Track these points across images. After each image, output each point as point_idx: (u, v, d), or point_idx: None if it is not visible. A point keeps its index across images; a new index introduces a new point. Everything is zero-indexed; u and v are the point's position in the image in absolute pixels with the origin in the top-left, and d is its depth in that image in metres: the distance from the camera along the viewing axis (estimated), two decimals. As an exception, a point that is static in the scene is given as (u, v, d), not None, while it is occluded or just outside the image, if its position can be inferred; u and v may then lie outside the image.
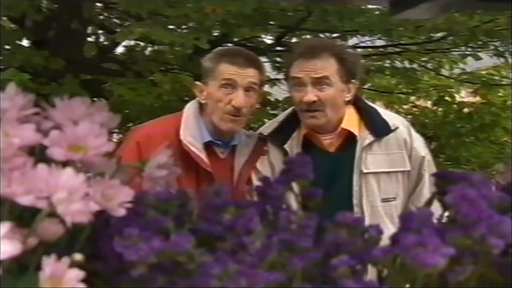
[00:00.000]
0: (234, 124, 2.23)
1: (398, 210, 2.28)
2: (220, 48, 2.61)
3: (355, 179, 2.25)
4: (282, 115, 2.43)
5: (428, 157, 2.36)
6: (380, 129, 2.28)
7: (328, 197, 2.16)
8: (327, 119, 2.22)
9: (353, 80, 2.26)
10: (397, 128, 2.28)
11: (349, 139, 2.27)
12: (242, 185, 2.23)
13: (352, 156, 2.26)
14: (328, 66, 2.21)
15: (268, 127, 2.39)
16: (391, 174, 2.27)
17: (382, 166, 2.26)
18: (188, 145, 2.19)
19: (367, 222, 2.13)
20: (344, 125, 2.26)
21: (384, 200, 2.26)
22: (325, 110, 2.21)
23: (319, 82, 2.20)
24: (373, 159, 2.25)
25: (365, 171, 2.24)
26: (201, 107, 2.28)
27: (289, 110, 2.39)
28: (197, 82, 2.34)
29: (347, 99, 2.26)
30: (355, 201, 2.24)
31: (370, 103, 2.46)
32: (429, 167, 2.33)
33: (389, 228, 2.13)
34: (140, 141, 2.18)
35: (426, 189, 2.26)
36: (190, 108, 2.30)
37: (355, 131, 2.26)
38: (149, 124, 2.44)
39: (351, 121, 2.28)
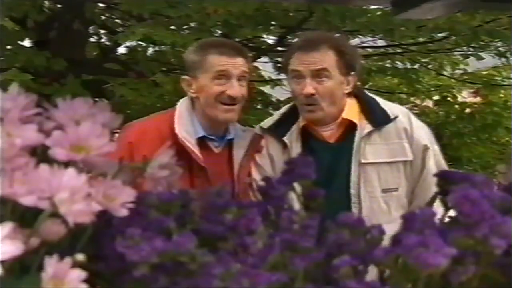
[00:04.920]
0: (231, 114, 2.23)
1: (401, 200, 2.26)
2: (201, 40, 2.60)
3: (353, 170, 2.23)
4: (282, 109, 2.44)
5: (434, 146, 2.32)
6: (379, 118, 2.27)
7: (328, 188, 2.17)
8: (325, 112, 2.22)
9: (352, 73, 2.26)
10: (396, 117, 2.27)
11: (350, 129, 2.27)
12: (244, 177, 2.23)
13: (352, 146, 2.25)
14: (327, 59, 2.21)
15: (268, 121, 2.40)
16: (392, 164, 2.25)
17: (381, 157, 2.24)
18: (183, 140, 2.19)
19: (364, 212, 2.15)
20: (344, 115, 2.25)
21: (385, 190, 2.24)
22: (324, 102, 2.20)
23: (318, 74, 2.20)
24: (372, 149, 2.24)
25: (363, 161, 2.22)
26: (193, 103, 2.28)
27: (289, 104, 2.39)
28: (183, 76, 2.33)
29: (346, 91, 2.26)
30: (352, 191, 2.22)
31: (370, 94, 2.44)
32: (435, 156, 2.30)
33: (389, 217, 2.13)
34: (132, 140, 2.18)
35: (431, 177, 2.24)
36: (182, 104, 2.30)
37: (355, 120, 2.26)
38: (142, 121, 2.44)
39: (351, 111, 2.27)
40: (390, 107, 2.32)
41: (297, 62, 2.22)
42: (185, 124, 2.24)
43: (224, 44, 2.33)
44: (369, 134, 2.24)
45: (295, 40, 2.45)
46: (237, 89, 2.20)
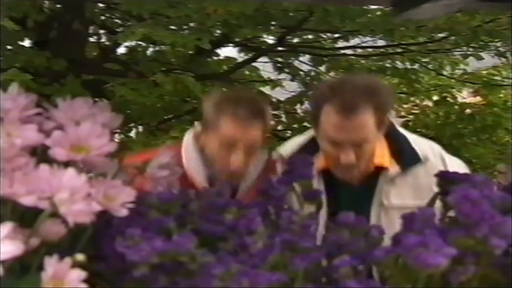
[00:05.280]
0: (233, 179, 2.00)
1: None
2: (223, 93, 2.43)
3: (373, 212, 2.02)
4: (300, 140, 2.17)
5: None
6: (408, 160, 2.05)
7: None
8: (361, 170, 2.00)
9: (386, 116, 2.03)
10: (426, 158, 2.04)
11: (375, 172, 2.05)
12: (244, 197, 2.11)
13: (375, 188, 2.04)
14: (367, 124, 1.96)
15: (286, 149, 2.14)
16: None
17: (408, 200, 2.00)
18: (192, 176, 2.08)
19: None
20: (376, 161, 2.03)
21: None
22: (362, 163, 1.97)
23: (358, 142, 1.96)
24: (397, 192, 2.03)
25: (386, 204, 2.02)
26: (198, 140, 2.17)
27: (308, 136, 2.20)
28: (197, 123, 2.14)
29: (379, 139, 2.04)
30: None
31: (400, 129, 2.19)
32: None
33: None
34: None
35: None
36: (188, 141, 2.17)
37: (387, 164, 2.04)
38: (144, 155, 2.31)
39: (382, 154, 2.06)
40: (420, 145, 2.10)
41: (335, 129, 1.97)
42: (192, 159, 2.05)
43: (242, 106, 2.05)
44: (395, 177, 2.04)
45: (329, 86, 2.10)
46: (239, 162, 1.98)
